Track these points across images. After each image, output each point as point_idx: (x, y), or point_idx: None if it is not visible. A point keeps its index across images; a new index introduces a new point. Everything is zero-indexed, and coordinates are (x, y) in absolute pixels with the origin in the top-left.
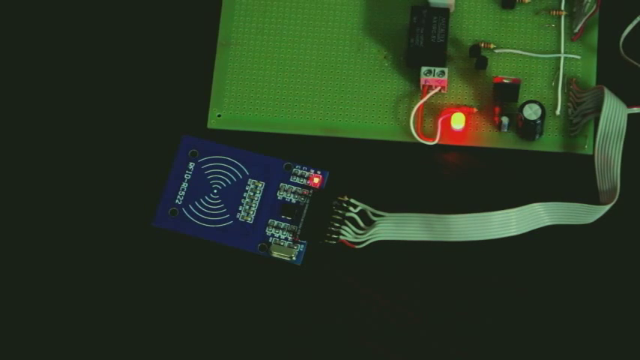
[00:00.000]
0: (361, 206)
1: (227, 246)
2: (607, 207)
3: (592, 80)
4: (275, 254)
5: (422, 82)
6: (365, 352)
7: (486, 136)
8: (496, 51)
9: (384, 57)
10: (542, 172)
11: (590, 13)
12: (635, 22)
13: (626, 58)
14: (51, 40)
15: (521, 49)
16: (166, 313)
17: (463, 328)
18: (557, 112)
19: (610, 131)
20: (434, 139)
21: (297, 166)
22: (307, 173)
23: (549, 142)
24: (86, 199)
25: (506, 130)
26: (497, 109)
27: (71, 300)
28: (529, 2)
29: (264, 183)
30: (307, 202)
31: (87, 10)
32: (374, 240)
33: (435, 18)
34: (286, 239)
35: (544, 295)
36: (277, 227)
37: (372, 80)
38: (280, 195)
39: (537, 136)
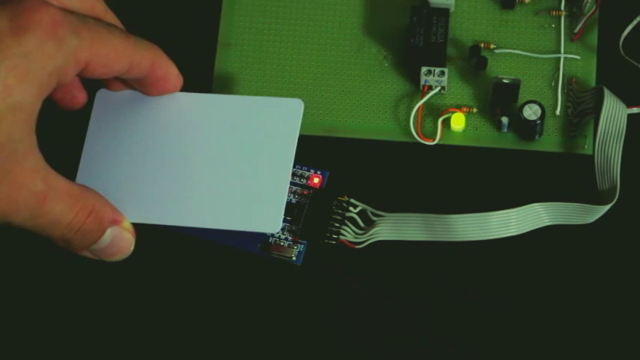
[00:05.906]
0: (361, 206)
1: (227, 246)
2: (607, 207)
3: (592, 80)
4: (275, 254)
5: (422, 82)
6: (365, 352)
7: (486, 136)
8: (496, 51)
9: (384, 57)
10: (542, 172)
11: (590, 13)
12: (635, 22)
13: (626, 58)
14: None
15: (521, 49)
16: (166, 313)
17: (463, 328)
18: (557, 112)
19: (610, 131)
20: (434, 139)
21: (297, 166)
22: (307, 173)
23: (549, 142)
24: None
25: (506, 130)
26: (497, 109)
27: (71, 300)
28: (529, 2)
29: None
30: (307, 202)
31: None
32: (374, 240)
33: (435, 18)
34: (286, 239)
35: (544, 295)
36: None
37: (372, 80)
38: None
39: (537, 136)
